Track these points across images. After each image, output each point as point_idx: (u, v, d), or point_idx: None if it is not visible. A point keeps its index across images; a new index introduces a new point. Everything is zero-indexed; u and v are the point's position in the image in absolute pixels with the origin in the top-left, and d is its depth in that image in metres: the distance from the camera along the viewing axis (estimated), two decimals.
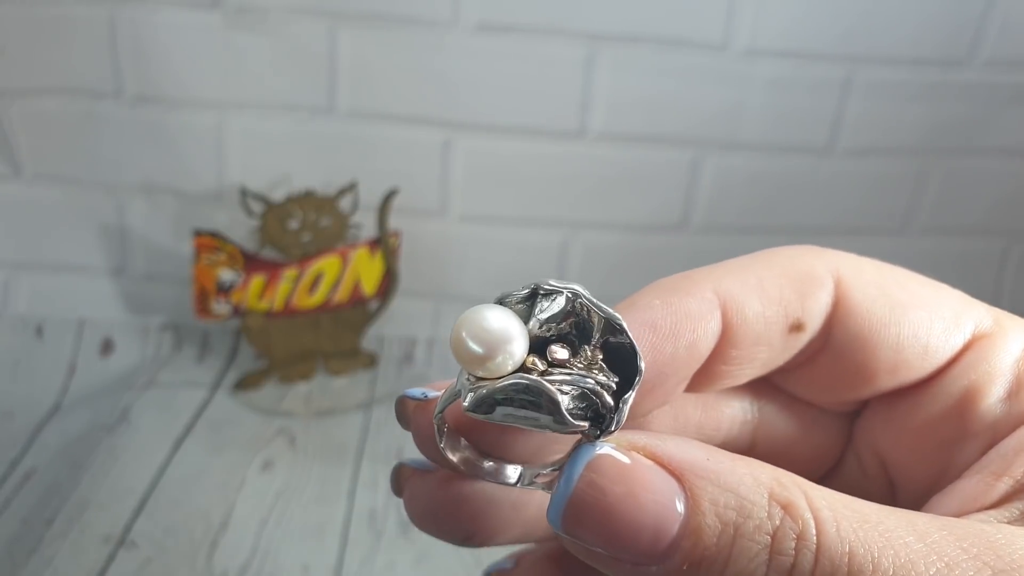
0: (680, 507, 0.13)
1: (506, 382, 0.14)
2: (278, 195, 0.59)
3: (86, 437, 0.55)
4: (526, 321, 0.15)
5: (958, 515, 0.15)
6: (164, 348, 0.65)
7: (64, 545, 0.46)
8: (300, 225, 0.59)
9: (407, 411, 0.18)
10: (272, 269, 0.59)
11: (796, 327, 0.17)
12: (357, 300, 0.62)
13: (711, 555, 0.13)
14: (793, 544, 0.13)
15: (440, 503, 0.18)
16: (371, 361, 0.64)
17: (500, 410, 0.14)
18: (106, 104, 0.60)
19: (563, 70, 0.60)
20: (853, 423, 0.20)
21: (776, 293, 0.17)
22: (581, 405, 0.14)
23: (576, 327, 0.15)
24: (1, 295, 0.65)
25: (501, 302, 0.15)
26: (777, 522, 0.13)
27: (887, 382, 0.18)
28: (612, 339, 0.14)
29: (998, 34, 0.60)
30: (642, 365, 0.14)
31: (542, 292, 0.15)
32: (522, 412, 0.14)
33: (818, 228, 0.67)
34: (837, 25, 0.60)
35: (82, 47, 0.58)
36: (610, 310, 0.15)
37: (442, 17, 0.58)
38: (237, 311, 0.60)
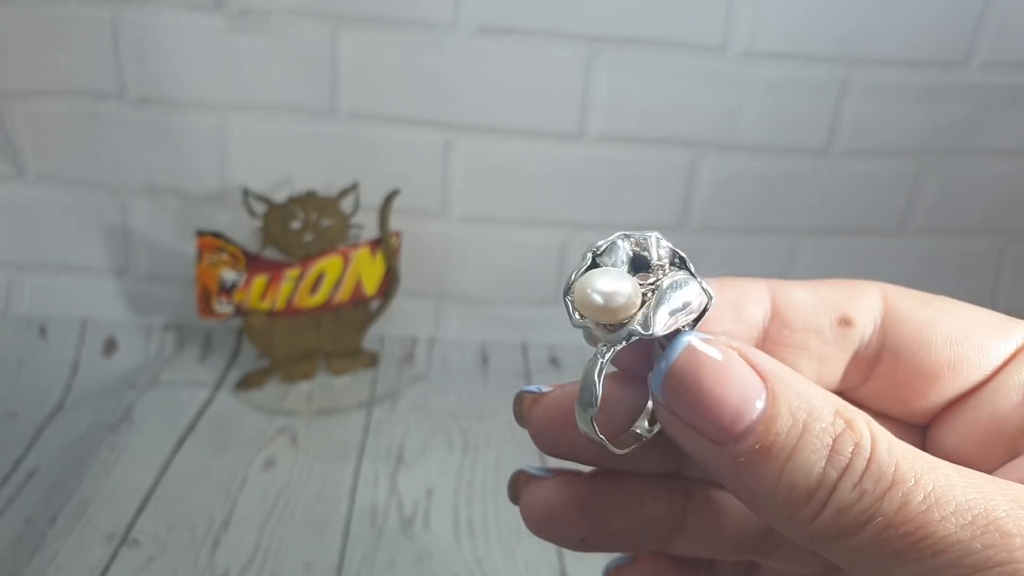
0: (761, 400, 0.16)
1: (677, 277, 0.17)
2: (280, 196, 0.59)
3: (89, 436, 0.55)
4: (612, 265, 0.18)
5: None
6: (167, 347, 0.65)
7: (67, 543, 0.46)
8: (302, 226, 0.59)
9: (524, 407, 0.19)
10: (274, 269, 0.60)
11: (845, 321, 0.19)
12: (358, 300, 0.63)
13: (780, 442, 0.15)
14: (851, 449, 0.15)
15: (556, 508, 0.19)
16: (372, 360, 0.65)
17: (670, 308, 0.17)
18: (109, 105, 0.61)
19: (563, 72, 0.61)
20: (926, 433, 0.21)
21: (824, 292, 0.19)
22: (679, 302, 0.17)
23: (637, 258, 0.18)
24: (5, 295, 0.65)
25: (592, 259, 0.18)
26: (840, 429, 0.15)
27: (951, 382, 0.19)
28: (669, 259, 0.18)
29: (995, 36, 0.61)
30: (681, 252, 0.18)
31: (601, 250, 0.18)
32: (691, 303, 0.17)
33: (816, 229, 0.68)
34: (835, 27, 0.60)
35: (85, 49, 0.59)
36: (647, 232, 0.18)
37: (443, 19, 0.59)
38: (239, 311, 0.60)
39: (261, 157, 0.63)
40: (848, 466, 0.15)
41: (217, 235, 0.58)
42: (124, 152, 0.62)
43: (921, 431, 0.20)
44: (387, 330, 0.67)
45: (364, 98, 0.61)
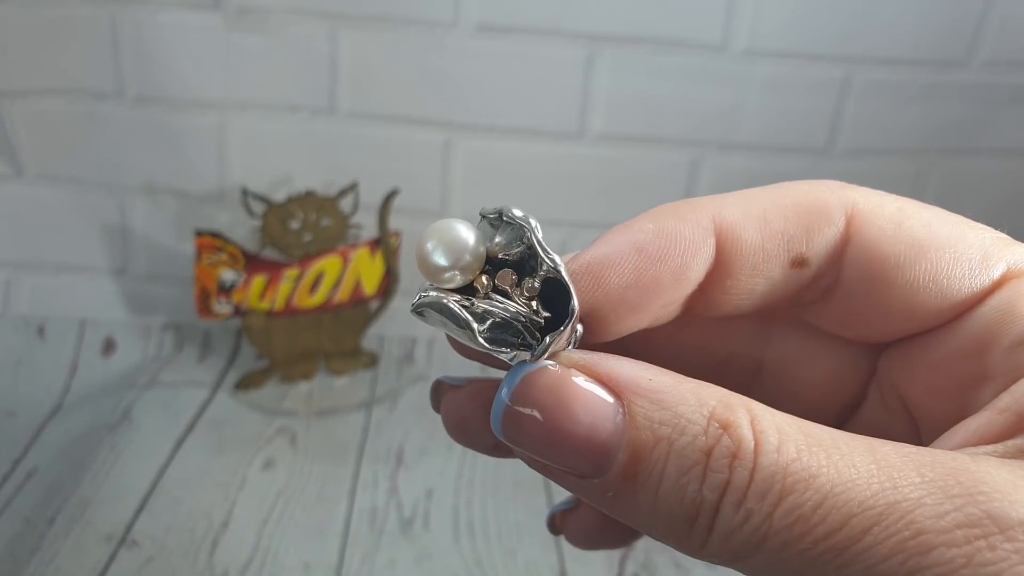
0: (617, 421, 0.14)
1: (433, 297, 0.15)
2: (279, 195, 0.59)
3: (88, 436, 0.55)
4: (492, 238, 0.16)
5: (955, 449, 0.15)
6: (165, 348, 0.65)
7: (66, 544, 0.46)
8: (301, 225, 0.59)
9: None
10: (273, 269, 0.59)
11: (798, 263, 0.17)
12: (358, 300, 0.62)
13: (646, 469, 0.13)
14: (727, 462, 0.13)
15: (468, 415, 0.19)
16: (372, 361, 0.65)
17: (434, 318, 0.15)
18: (108, 105, 0.60)
19: (563, 71, 0.61)
20: (878, 356, 0.19)
21: (779, 226, 0.17)
22: (509, 333, 0.15)
23: (528, 257, 0.16)
24: (3, 295, 0.65)
25: (481, 214, 0.16)
26: (714, 439, 0.13)
27: (905, 324, 0.17)
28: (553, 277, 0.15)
29: (996, 35, 0.61)
30: (575, 306, 0.15)
31: (505, 219, 0.16)
32: (451, 326, 0.15)
33: None
34: (835, 26, 0.60)
35: (84, 48, 0.59)
36: (552, 255, 0.15)
37: (443, 18, 0.59)
38: (238, 311, 0.60)
39: (260, 156, 0.63)
40: (728, 484, 0.13)
41: (216, 235, 0.58)
42: (123, 152, 0.62)
43: (873, 352, 0.19)
44: (386, 330, 0.67)
45: (364, 97, 0.61)
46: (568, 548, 0.48)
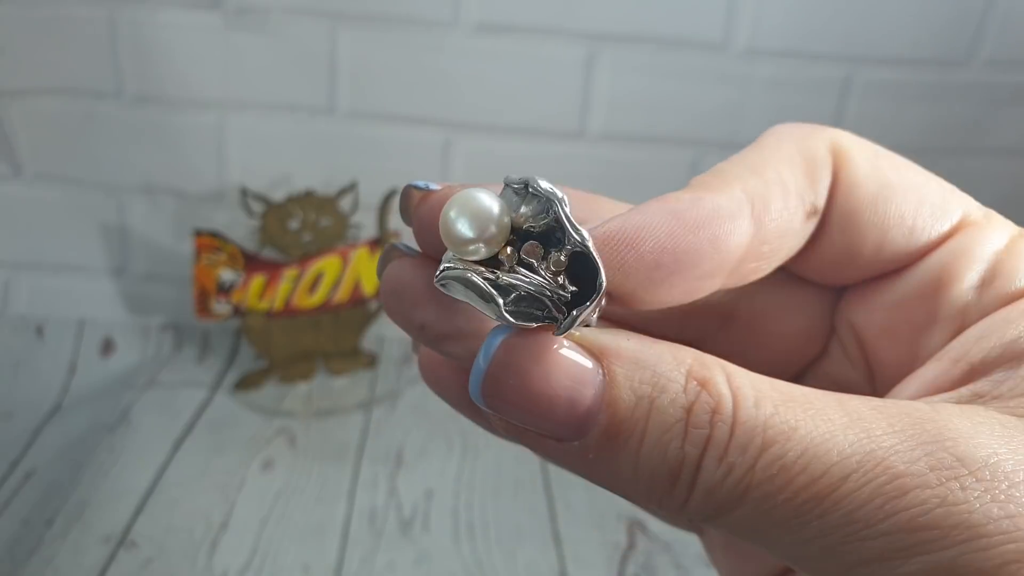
0: (596, 382, 0.14)
1: (458, 270, 0.15)
2: (278, 195, 0.59)
3: (86, 437, 0.55)
4: (517, 208, 0.15)
5: (914, 399, 0.15)
6: (164, 348, 0.65)
7: (64, 545, 0.46)
8: (300, 225, 0.59)
9: (411, 203, 0.17)
10: (272, 269, 0.59)
11: (812, 212, 0.17)
12: (357, 300, 0.62)
13: (627, 428, 0.13)
14: (708, 418, 0.13)
15: (405, 285, 0.17)
16: (371, 361, 0.65)
17: (458, 291, 0.15)
18: (106, 104, 0.60)
19: (563, 70, 0.60)
20: (836, 301, 0.19)
21: (794, 185, 0.17)
22: (534, 307, 0.15)
23: (555, 230, 0.15)
24: (2, 295, 0.65)
25: (506, 183, 0.15)
26: (693, 396, 0.13)
27: (873, 261, 0.18)
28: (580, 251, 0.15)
29: (997, 34, 0.60)
30: (603, 280, 0.14)
31: (531, 191, 0.15)
32: (475, 299, 0.15)
33: None
34: (837, 25, 0.60)
35: (83, 47, 0.59)
36: (579, 228, 0.15)
37: (442, 18, 0.58)
38: (237, 311, 0.60)
39: (259, 156, 0.63)
40: (709, 439, 0.13)
41: (215, 235, 0.58)
42: (121, 151, 0.62)
43: (834, 293, 0.19)
44: (386, 331, 0.67)
45: (363, 97, 0.61)
46: (568, 549, 0.48)
